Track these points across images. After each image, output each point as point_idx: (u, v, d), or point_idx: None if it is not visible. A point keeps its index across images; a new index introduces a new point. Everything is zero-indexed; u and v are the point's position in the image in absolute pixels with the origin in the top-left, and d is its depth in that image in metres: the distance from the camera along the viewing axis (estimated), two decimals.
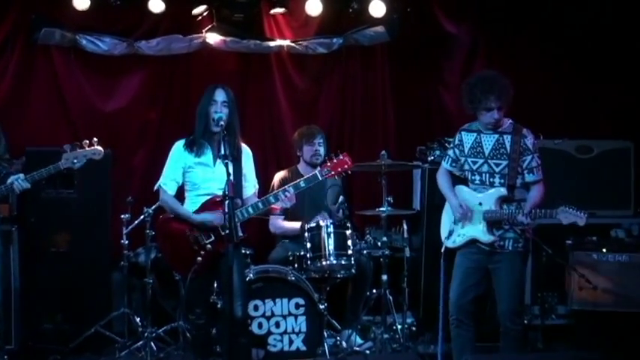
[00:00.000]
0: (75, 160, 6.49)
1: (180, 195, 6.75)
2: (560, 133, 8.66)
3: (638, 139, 8.76)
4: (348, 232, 7.55)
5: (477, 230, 6.44)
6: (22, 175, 6.57)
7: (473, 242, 6.48)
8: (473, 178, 6.52)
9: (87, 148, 6.52)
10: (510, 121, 6.52)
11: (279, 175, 8.08)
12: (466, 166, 6.55)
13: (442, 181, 6.74)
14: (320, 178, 6.67)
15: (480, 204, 6.43)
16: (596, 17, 9.06)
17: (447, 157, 6.72)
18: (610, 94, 9.27)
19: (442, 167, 6.78)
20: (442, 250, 6.69)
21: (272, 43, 9.13)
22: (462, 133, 6.60)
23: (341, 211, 7.96)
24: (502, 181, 6.41)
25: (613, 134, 8.86)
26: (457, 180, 6.75)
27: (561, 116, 9.21)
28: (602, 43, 9.16)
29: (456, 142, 6.63)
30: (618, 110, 9.23)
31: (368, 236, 8.24)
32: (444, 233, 6.69)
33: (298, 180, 6.73)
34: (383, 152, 7.58)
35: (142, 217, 7.74)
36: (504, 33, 9.31)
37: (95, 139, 6.54)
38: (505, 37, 9.31)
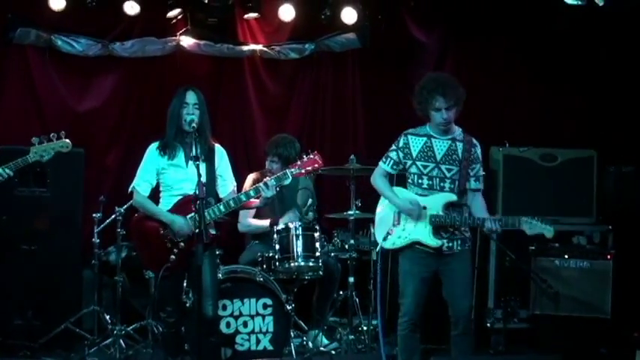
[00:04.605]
0: (43, 153, 6.46)
1: (155, 195, 6.78)
2: (525, 141, 8.80)
3: (602, 148, 8.88)
4: (317, 234, 7.61)
5: (422, 233, 6.38)
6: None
7: (415, 244, 6.43)
8: (420, 181, 6.45)
9: (55, 141, 6.52)
10: (461, 129, 6.53)
11: (251, 177, 8.14)
12: (413, 170, 6.47)
13: (381, 182, 6.61)
14: (289, 177, 6.61)
15: (425, 207, 6.39)
16: (562, 28, 9.17)
17: (389, 159, 6.57)
18: (575, 103, 9.45)
19: (380, 169, 6.62)
20: (377, 250, 6.69)
21: (245, 48, 9.23)
22: (409, 136, 6.51)
23: (310, 213, 8.06)
24: (452, 186, 6.41)
25: (577, 143, 8.98)
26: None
27: (527, 124, 9.38)
28: (568, 54, 9.32)
29: (401, 144, 6.52)
30: (582, 120, 9.41)
31: (336, 239, 8.25)
32: (380, 235, 6.60)
33: (268, 178, 6.66)
34: (352, 157, 7.62)
35: (113, 216, 7.79)
36: (472, 42, 9.43)
37: (63, 132, 6.55)
38: (473, 45, 9.44)
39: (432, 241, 6.38)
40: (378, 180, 6.65)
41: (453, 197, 6.41)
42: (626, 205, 8.72)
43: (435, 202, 6.41)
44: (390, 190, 6.58)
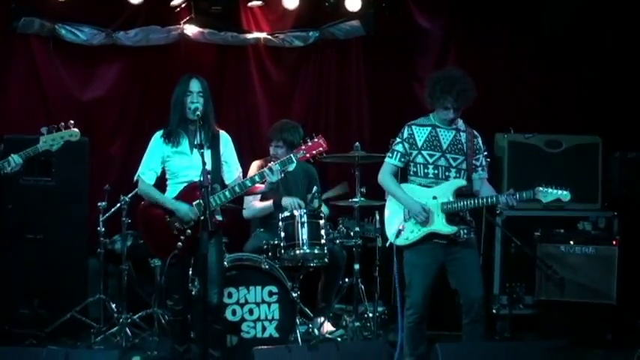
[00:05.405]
0: (52, 142, 6.50)
1: (162, 183, 6.78)
2: (530, 128, 8.80)
3: (607, 134, 8.88)
4: (322, 221, 7.61)
5: (436, 223, 6.38)
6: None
7: (430, 237, 6.42)
8: (426, 171, 6.46)
9: (63, 130, 6.55)
10: (461, 120, 6.56)
11: (255, 164, 8.10)
12: (419, 159, 6.47)
13: (390, 181, 6.59)
14: (294, 161, 6.53)
15: (435, 197, 6.39)
16: (568, 15, 9.18)
17: (395, 152, 6.56)
18: (580, 90, 9.43)
19: (388, 165, 6.61)
20: (394, 249, 6.60)
21: (249, 36, 9.22)
22: (413, 127, 6.53)
23: (315, 200, 8.01)
24: (457, 175, 6.44)
25: (582, 129, 8.98)
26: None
27: (532, 111, 9.35)
28: (574, 40, 9.30)
29: (405, 135, 6.53)
30: (587, 106, 9.37)
31: (341, 226, 8.23)
32: (391, 232, 6.56)
33: (273, 163, 6.59)
34: (356, 144, 7.63)
35: (118, 204, 7.81)
36: (477, 28, 9.42)
37: (72, 121, 6.58)
38: (477, 32, 9.42)
39: (448, 229, 6.38)
40: (386, 179, 6.62)
41: (463, 182, 6.44)
42: (632, 190, 8.74)
43: (445, 190, 6.41)
44: (400, 189, 6.53)
